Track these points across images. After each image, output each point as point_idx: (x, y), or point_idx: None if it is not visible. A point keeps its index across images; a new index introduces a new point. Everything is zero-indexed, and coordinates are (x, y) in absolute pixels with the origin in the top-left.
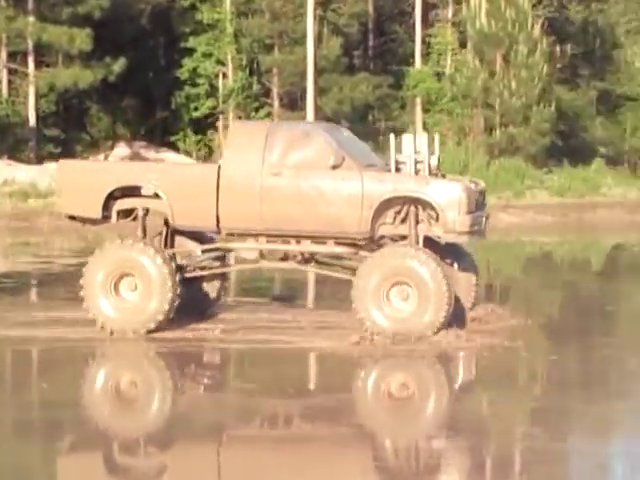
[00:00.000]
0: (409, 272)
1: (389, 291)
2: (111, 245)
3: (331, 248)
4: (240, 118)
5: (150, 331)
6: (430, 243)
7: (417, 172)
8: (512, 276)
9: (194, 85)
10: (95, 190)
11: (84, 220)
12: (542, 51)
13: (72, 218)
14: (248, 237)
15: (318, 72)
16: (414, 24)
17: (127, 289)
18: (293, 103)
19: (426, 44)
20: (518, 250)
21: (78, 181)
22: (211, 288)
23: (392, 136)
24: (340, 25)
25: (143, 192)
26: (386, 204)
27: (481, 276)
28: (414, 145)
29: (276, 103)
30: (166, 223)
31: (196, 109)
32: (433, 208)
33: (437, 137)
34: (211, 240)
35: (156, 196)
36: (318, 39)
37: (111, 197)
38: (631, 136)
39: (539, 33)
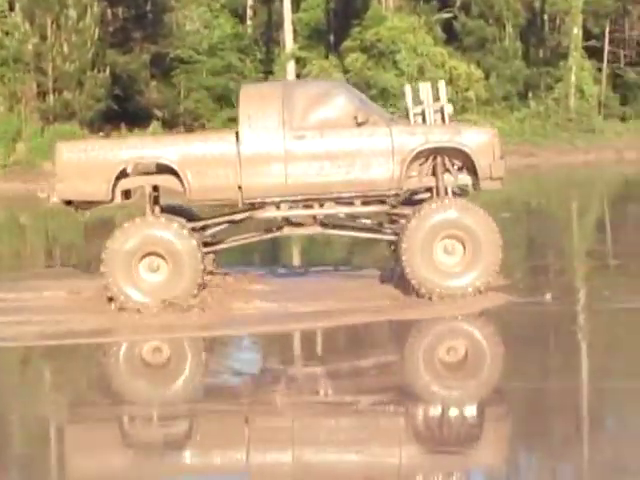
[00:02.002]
0: (461, 225)
1: (439, 246)
2: (131, 224)
3: (367, 208)
4: None
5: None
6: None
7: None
8: None
9: None
10: (103, 170)
11: (81, 204)
12: (93, 15)
13: (68, 203)
14: (268, 205)
15: None
16: None
17: (147, 270)
18: None
19: None
20: None
21: (83, 162)
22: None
23: (408, 87)
24: None
25: (128, 170)
26: (416, 157)
27: None
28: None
29: None
30: (156, 202)
31: None
32: (467, 156)
33: (443, 84)
34: (197, 216)
35: (162, 172)
36: None
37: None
38: (185, 98)
39: None
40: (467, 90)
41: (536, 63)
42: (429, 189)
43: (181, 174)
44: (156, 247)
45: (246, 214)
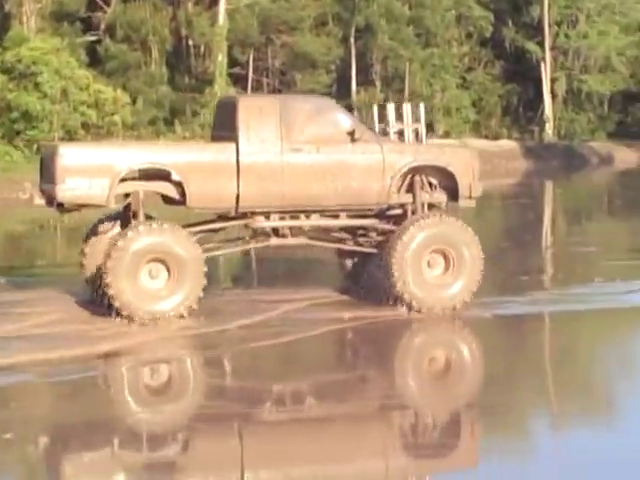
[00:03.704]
0: (447, 239)
1: (426, 260)
2: (137, 231)
3: (371, 221)
4: None
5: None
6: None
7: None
8: None
9: None
10: (106, 175)
11: (70, 207)
12: None
13: (59, 205)
14: (257, 215)
15: None
16: None
17: (147, 276)
18: None
19: None
20: None
21: (86, 166)
22: None
23: (392, 106)
24: None
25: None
26: (405, 174)
27: None
28: (406, 114)
29: None
30: (127, 208)
31: None
32: (449, 175)
33: (422, 105)
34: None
35: (158, 178)
36: None
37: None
38: None
39: None
40: (113, 114)
41: (182, 89)
42: (402, 205)
43: (183, 182)
44: (162, 254)
45: (233, 223)
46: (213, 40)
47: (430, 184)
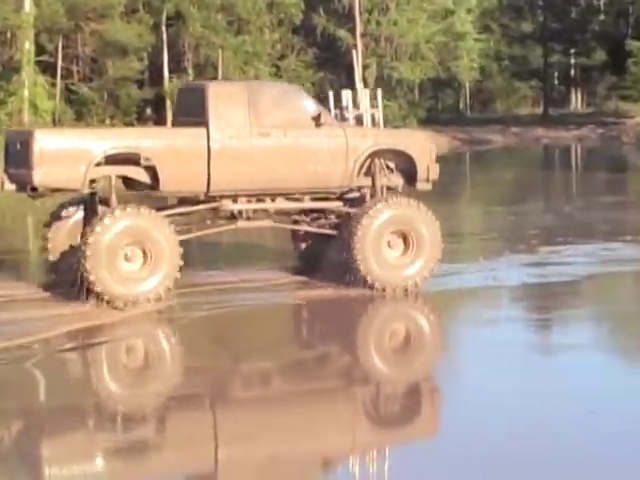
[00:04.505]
0: (407, 221)
1: (386, 241)
2: (114, 215)
3: (334, 204)
4: None
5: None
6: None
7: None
8: None
9: None
10: (82, 159)
11: (43, 192)
12: None
13: (33, 190)
14: (225, 198)
15: None
16: None
17: (123, 260)
18: None
19: None
20: None
21: (61, 151)
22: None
23: (349, 92)
24: None
25: None
26: (367, 158)
27: None
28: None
29: None
30: (92, 194)
31: None
32: (407, 158)
33: (380, 91)
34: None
35: (130, 163)
36: None
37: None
38: None
39: None
40: None
41: None
42: (360, 188)
43: (156, 166)
44: (139, 237)
45: (202, 206)
46: (19, 27)
47: (388, 167)
